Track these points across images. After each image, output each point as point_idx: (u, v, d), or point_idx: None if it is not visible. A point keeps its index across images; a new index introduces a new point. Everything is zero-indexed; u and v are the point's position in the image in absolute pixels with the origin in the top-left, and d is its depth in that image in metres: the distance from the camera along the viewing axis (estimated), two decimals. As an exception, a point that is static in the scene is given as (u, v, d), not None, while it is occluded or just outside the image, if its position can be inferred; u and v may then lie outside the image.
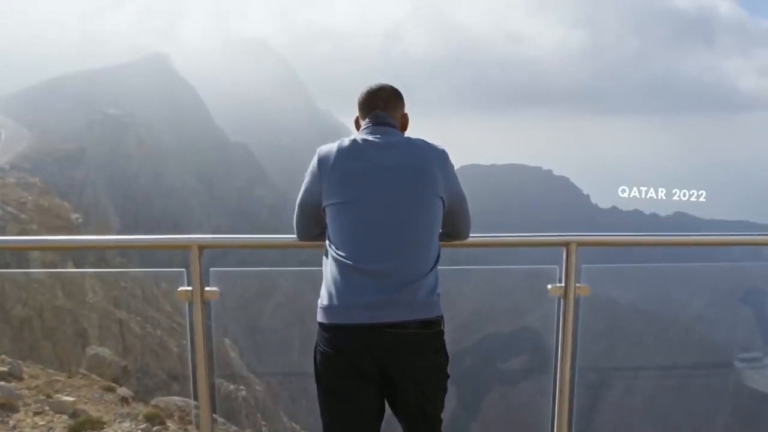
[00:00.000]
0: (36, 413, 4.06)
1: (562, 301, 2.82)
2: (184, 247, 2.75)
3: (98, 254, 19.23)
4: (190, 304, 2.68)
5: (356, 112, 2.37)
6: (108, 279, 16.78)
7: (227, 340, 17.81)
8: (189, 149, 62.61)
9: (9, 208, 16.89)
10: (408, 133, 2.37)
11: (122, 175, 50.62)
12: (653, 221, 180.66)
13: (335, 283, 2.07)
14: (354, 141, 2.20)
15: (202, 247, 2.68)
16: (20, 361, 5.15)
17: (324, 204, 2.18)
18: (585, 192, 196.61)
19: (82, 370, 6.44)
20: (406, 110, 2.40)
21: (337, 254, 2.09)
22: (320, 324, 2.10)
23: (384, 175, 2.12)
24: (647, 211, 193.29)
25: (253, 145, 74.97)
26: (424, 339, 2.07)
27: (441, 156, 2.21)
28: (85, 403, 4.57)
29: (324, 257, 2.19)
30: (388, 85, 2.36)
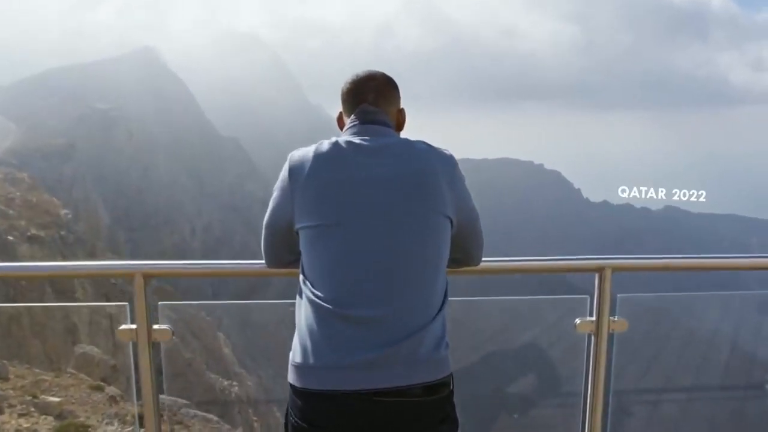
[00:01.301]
0: (21, 415, 3.97)
1: (593, 338, 2.36)
2: (126, 276, 2.36)
3: (88, 249, 19.07)
4: (135, 346, 2.24)
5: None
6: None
7: (221, 335, 17.74)
8: (179, 144, 62.21)
9: (-4, 204, 16.68)
10: (404, 133, 1.90)
11: (112, 170, 50.21)
12: (644, 215, 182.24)
13: (311, 333, 1.59)
14: (336, 144, 1.72)
15: (147, 276, 2.22)
16: (6, 362, 5.06)
17: (297, 226, 1.70)
18: (576, 186, 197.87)
19: (70, 369, 6.36)
20: (402, 104, 1.91)
21: (314, 294, 1.62)
22: (292, 387, 1.62)
23: (375, 190, 1.65)
24: (638, 205, 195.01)
25: (244, 140, 74.66)
26: (430, 408, 1.59)
27: (448, 164, 1.73)
28: (72, 403, 4.49)
29: (297, 296, 1.70)
30: (379, 72, 1.86)
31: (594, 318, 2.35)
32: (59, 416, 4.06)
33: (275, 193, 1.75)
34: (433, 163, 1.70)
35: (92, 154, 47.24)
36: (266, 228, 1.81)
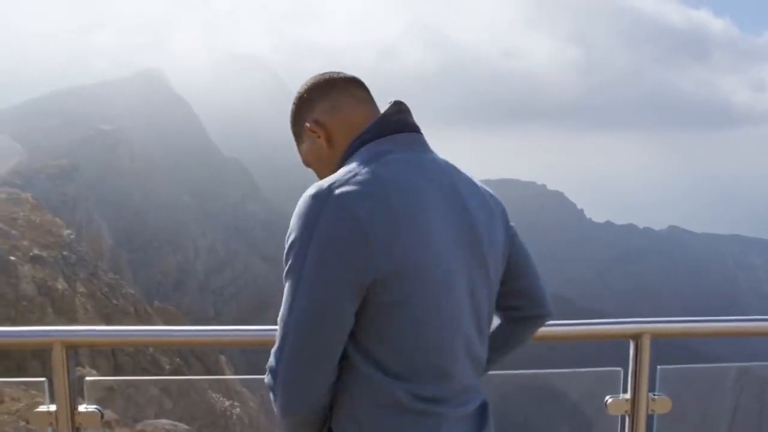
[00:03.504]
0: (12, 441, 3.84)
1: (628, 419, 1.96)
2: (42, 346, 1.95)
3: (90, 269, 19.04)
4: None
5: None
6: (97, 295, 16.60)
7: (222, 357, 17.60)
8: (182, 164, 62.52)
9: (0, 224, 16.70)
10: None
11: (115, 191, 50.37)
12: (647, 235, 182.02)
13: None
14: (407, 165, 1.21)
15: (68, 346, 1.81)
16: (2, 380, 4.96)
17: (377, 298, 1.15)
18: (579, 206, 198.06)
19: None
20: None
21: (401, 389, 1.16)
22: None
23: (467, 231, 1.23)
24: (641, 224, 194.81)
25: (247, 161, 75.05)
26: None
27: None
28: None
29: (350, 395, 1.19)
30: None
31: (629, 395, 1.95)
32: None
33: (329, 266, 1.18)
34: (495, 198, 1.44)
35: (95, 174, 47.46)
36: (309, 329, 1.15)
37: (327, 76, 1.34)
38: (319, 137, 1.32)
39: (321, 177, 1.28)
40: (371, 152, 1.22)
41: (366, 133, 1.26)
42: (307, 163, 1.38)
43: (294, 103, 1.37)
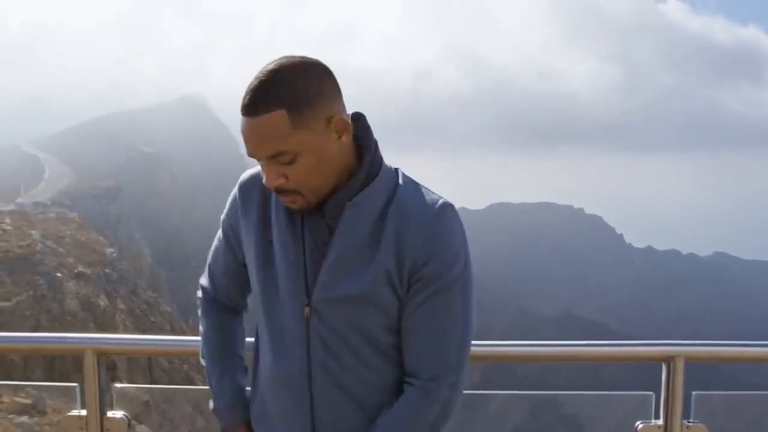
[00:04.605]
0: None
1: None
2: (74, 353, 1.98)
3: (130, 287, 19.56)
4: None
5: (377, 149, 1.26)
6: (136, 312, 17.00)
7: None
8: (220, 185, 63.83)
9: (48, 242, 17.37)
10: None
11: (156, 211, 51.79)
12: (692, 261, 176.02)
13: None
14: None
15: (100, 353, 1.88)
16: (45, 394, 5.10)
17: None
18: (618, 231, 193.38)
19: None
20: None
21: None
22: None
23: None
24: (685, 251, 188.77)
25: (284, 183, 76.19)
26: None
27: None
28: None
29: None
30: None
31: (662, 422, 1.84)
32: None
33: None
34: None
35: (137, 195, 48.94)
36: None
37: (321, 62, 1.19)
38: (341, 137, 1.17)
39: (310, 181, 1.16)
40: (398, 170, 1.26)
41: (375, 148, 1.23)
42: (289, 159, 1.14)
43: (290, 98, 1.12)
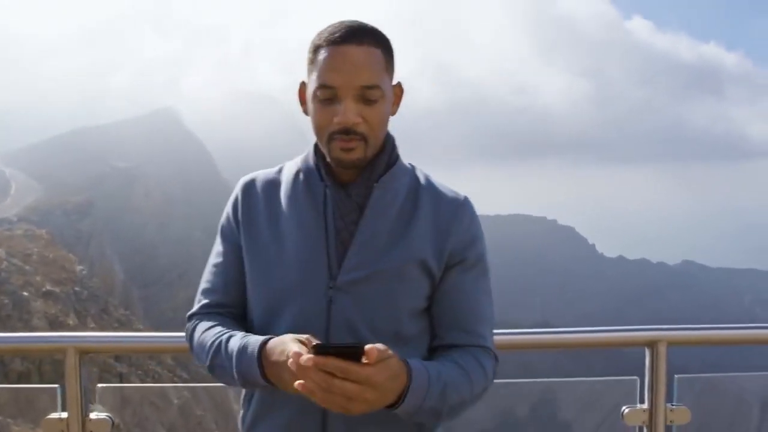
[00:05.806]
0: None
1: (645, 430, 1.91)
2: (55, 351, 1.89)
3: (101, 305, 19.11)
4: None
5: None
6: (107, 331, 16.62)
7: (231, 393, 17.42)
8: (195, 201, 63.14)
9: (14, 260, 16.89)
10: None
11: (129, 226, 50.87)
12: (662, 270, 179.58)
13: None
14: None
15: (81, 351, 1.80)
16: (10, 420, 4.94)
17: None
18: (591, 241, 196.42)
19: None
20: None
21: None
22: None
23: None
24: (654, 259, 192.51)
25: (259, 197, 75.73)
26: None
27: None
28: None
29: None
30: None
31: (647, 406, 1.87)
32: None
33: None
34: None
35: (110, 210, 48.05)
36: None
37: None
38: (396, 103, 1.23)
39: (379, 130, 1.18)
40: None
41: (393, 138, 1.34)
42: (377, 97, 1.14)
43: (385, 43, 1.17)
